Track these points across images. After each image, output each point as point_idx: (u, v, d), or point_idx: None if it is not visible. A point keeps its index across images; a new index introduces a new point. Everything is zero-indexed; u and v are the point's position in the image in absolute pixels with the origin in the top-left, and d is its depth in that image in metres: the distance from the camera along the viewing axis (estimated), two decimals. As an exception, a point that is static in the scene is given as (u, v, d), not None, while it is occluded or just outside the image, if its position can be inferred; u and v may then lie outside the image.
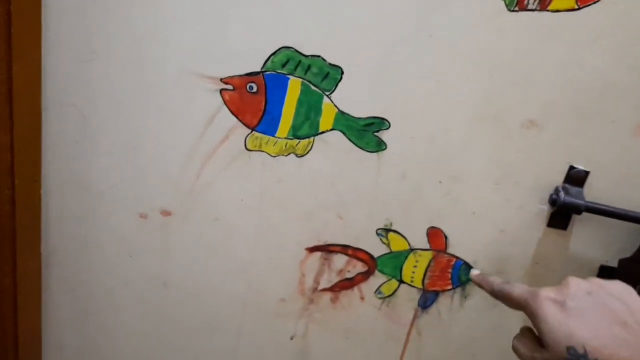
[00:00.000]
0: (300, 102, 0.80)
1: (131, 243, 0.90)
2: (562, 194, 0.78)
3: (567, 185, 0.80)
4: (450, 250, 0.86)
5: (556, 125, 0.78)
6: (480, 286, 0.57)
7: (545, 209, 0.82)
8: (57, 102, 0.83)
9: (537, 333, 0.48)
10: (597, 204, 0.79)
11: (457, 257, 0.86)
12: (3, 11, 0.73)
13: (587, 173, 0.80)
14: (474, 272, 0.60)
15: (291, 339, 0.94)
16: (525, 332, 0.51)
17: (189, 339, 0.95)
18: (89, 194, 0.88)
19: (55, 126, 0.85)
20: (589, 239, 0.83)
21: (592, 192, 0.80)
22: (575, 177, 0.80)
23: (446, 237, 0.85)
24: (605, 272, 0.84)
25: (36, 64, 0.80)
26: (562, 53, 0.75)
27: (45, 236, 0.90)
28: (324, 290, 0.90)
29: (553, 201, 0.80)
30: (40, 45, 0.80)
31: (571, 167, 0.80)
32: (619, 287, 0.48)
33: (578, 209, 0.78)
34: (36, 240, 0.89)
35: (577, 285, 0.47)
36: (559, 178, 0.81)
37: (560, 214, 0.82)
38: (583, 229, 0.83)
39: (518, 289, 0.51)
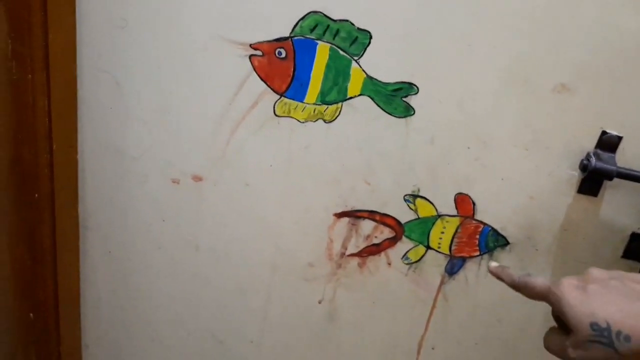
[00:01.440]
0: (328, 67, 0.80)
1: (164, 207, 0.93)
2: (593, 160, 0.77)
3: (598, 151, 0.79)
4: (478, 216, 0.86)
5: (588, 89, 0.76)
6: (500, 278, 0.57)
7: (576, 175, 0.81)
8: (91, 69, 0.85)
9: (563, 320, 0.48)
10: (629, 169, 0.77)
11: (484, 224, 0.86)
12: (38, -21, 0.75)
13: (620, 138, 0.78)
14: (493, 265, 0.59)
15: (319, 303, 0.95)
16: (552, 329, 0.51)
17: (220, 300, 0.98)
18: (123, 159, 0.91)
19: (89, 93, 0.87)
20: (621, 205, 0.82)
21: (625, 158, 0.79)
22: (608, 143, 0.78)
23: (474, 203, 0.85)
24: (636, 240, 0.83)
25: (71, 31, 0.83)
26: (596, 13, 0.73)
27: (82, 200, 0.94)
28: (352, 255, 0.91)
29: (584, 167, 0.79)
30: (74, 12, 0.82)
31: (603, 132, 0.78)
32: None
33: (609, 175, 0.76)
34: (73, 203, 0.92)
35: (599, 273, 0.48)
36: (590, 143, 0.79)
37: (591, 180, 0.80)
38: (614, 195, 0.82)
39: (540, 279, 0.51)
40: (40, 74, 0.81)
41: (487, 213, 0.86)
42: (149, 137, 0.89)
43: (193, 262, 0.96)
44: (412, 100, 0.81)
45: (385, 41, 0.78)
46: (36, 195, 0.86)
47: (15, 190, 0.85)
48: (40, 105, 0.82)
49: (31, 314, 0.95)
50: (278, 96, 0.83)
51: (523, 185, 0.83)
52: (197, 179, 0.90)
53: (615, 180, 0.78)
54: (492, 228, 0.86)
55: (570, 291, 0.47)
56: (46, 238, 0.90)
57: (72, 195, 0.91)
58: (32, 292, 0.93)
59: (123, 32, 0.83)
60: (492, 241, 0.87)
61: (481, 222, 0.86)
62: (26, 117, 0.82)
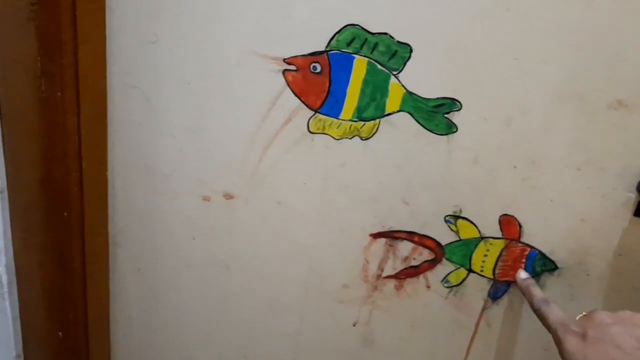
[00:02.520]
0: (365, 82, 0.76)
1: (195, 225, 0.91)
2: (653, 182, 0.71)
3: (659, 172, 0.73)
4: (525, 239, 0.81)
5: (649, 105, 0.71)
6: (523, 293, 0.57)
7: (633, 197, 0.75)
8: (121, 85, 0.84)
9: None
10: (693, 192, 0.72)
11: (531, 247, 0.81)
12: (68, -4, 0.73)
13: (683, 158, 0.72)
14: (522, 275, 0.59)
15: (354, 325, 0.92)
16: None
17: (252, 321, 0.95)
18: (153, 176, 0.89)
19: (120, 109, 0.85)
20: (682, 230, 0.76)
21: (688, 179, 0.73)
22: (669, 163, 0.73)
23: (520, 226, 0.80)
24: (699, 267, 0.77)
25: (101, 47, 0.81)
26: (660, 25, 0.67)
27: (112, 217, 0.92)
28: (388, 277, 0.87)
29: (642, 189, 0.73)
30: (104, 28, 0.80)
31: (664, 152, 0.72)
32: None
33: (671, 198, 0.71)
34: (103, 222, 0.91)
35: (603, 317, 0.49)
36: (650, 164, 0.73)
37: (650, 203, 0.75)
38: (676, 219, 0.76)
39: (553, 316, 0.53)
40: (69, 91, 0.79)
41: (535, 236, 0.80)
42: (180, 154, 0.86)
43: (224, 282, 0.93)
44: (455, 117, 0.76)
45: (426, 55, 0.74)
46: (66, 214, 0.85)
47: (45, 209, 0.84)
48: (70, 123, 0.80)
49: (60, 333, 0.94)
50: (312, 112, 0.80)
51: (574, 207, 0.77)
52: (229, 197, 0.87)
53: (677, 203, 0.72)
54: (540, 252, 0.81)
55: (570, 338, 0.49)
56: (76, 257, 0.89)
57: (102, 213, 0.90)
58: (62, 311, 0.92)
59: (154, 47, 0.81)
60: (539, 265, 0.82)
61: (528, 245, 0.81)
62: (56, 135, 0.81)
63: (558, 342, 0.51)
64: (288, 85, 0.78)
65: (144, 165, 0.88)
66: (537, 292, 0.55)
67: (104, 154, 0.87)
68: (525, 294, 0.56)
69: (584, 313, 0.51)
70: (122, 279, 0.97)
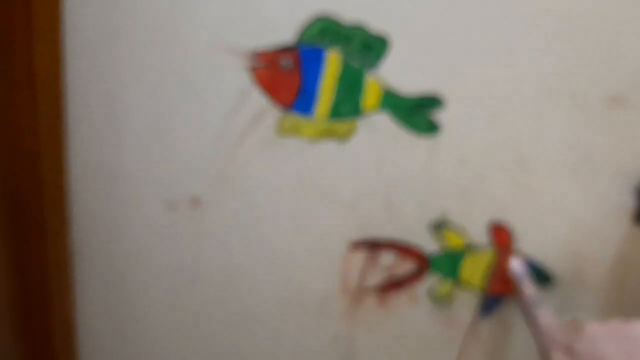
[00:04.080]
0: (339, 79, 0.71)
1: (161, 233, 0.86)
2: (654, 184, 0.66)
3: (660, 174, 0.67)
4: (517, 247, 0.75)
5: (648, 101, 0.66)
6: (514, 285, 0.54)
7: (631, 200, 0.71)
8: (81, 84, 0.79)
9: None
10: (699, 195, 0.66)
11: (524, 256, 0.75)
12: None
13: (687, 159, 0.67)
14: (515, 265, 0.55)
15: (334, 339, 0.86)
16: None
17: (224, 335, 0.90)
18: (116, 181, 0.84)
19: (80, 109, 0.80)
20: (687, 236, 0.71)
21: (693, 181, 0.68)
22: (672, 164, 0.67)
23: (511, 232, 0.75)
24: None
25: (58, 45, 0.76)
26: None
27: (75, 226, 0.87)
28: (370, 289, 0.82)
29: (641, 192, 0.68)
30: (60, 25, 0.75)
31: (666, 152, 0.67)
32: (637, 327, 0.47)
33: (674, 202, 0.65)
34: (64, 231, 0.86)
35: (591, 331, 0.48)
36: (649, 164, 0.69)
37: (651, 207, 0.69)
38: (680, 224, 0.70)
39: (542, 322, 0.50)
40: (25, 93, 0.74)
41: (527, 243, 0.76)
42: (144, 157, 0.81)
43: (194, 292, 0.88)
44: (438, 116, 0.71)
45: (405, 48, 0.69)
46: (24, 222, 0.80)
47: (1, 218, 0.79)
48: (26, 126, 0.75)
49: (24, 346, 0.89)
50: (284, 111, 0.74)
51: (569, 212, 0.73)
52: (196, 202, 0.82)
53: (682, 207, 0.66)
54: (533, 260, 0.76)
55: (556, 353, 0.47)
56: (36, 268, 0.84)
57: (63, 221, 0.85)
58: (24, 323, 0.88)
59: (114, 44, 0.76)
60: (532, 275, 0.76)
61: (520, 253, 0.75)
62: (11, 139, 0.76)
63: (543, 354, 0.49)
64: (256, 82, 0.73)
65: (106, 170, 0.83)
66: (529, 289, 0.51)
67: (64, 159, 0.82)
68: (517, 287, 0.52)
69: (572, 320, 0.47)
70: (87, 290, 0.92)
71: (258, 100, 0.74)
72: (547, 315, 0.51)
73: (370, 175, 0.76)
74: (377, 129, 0.73)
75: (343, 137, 0.74)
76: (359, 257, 0.81)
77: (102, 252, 0.89)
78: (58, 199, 0.83)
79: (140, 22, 0.75)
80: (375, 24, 0.68)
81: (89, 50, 0.77)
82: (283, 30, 0.70)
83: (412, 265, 0.79)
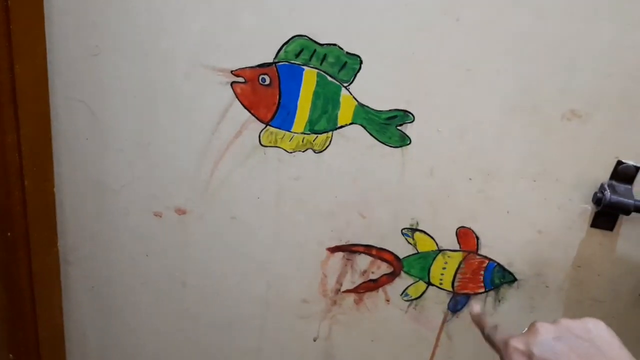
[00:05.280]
0: (316, 94, 0.74)
1: (148, 242, 0.88)
2: (608, 192, 0.70)
3: (613, 183, 0.72)
4: (483, 251, 0.79)
5: (602, 116, 0.69)
6: (476, 325, 0.54)
7: (589, 208, 0.74)
8: (65, 99, 0.80)
9: None
10: (649, 203, 0.71)
11: (490, 259, 0.79)
12: (1, 7, 0.70)
13: (637, 169, 0.71)
14: (475, 309, 0.56)
15: (314, 340, 0.90)
16: None
17: (210, 338, 0.93)
18: (103, 192, 0.86)
19: (65, 124, 0.82)
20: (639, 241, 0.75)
21: (644, 189, 0.72)
22: (624, 174, 0.71)
23: (478, 238, 0.79)
24: (657, 277, 0.76)
25: (41, 61, 0.77)
26: (609, 36, 0.66)
27: (63, 235, 0.89)
28: (347, 291, 0.85)
29: (598, 200, 0.72)
30: (44, 41, 0.77)
31: (619, 162, 0.71)
32: (588, 326, 0.46)
33: (626, 209, 0.70)
34: (52, 240, 0.87)
35: (545, 332, 0.47)
36: (604, 174, 0.72)
37: (606, 214, 0.74)
38: (632, 229, 0.75)
39: (498, 338, 0.50)
40: (7, 108, 0.75)
41: (492, 248, 0.79)
42: (130, 169, 0.83)
43: (180, 299, 0.91)
44: (408, 129, 0.74)
45: (377, 66, 0.72)
46: (9, 234, 0.81)
47: (-12, 229, 0.81)
48: (9, 141, 0.76)
49: (11, 355, 0.90)
50: (263, 125, 0.77)
51: (531, 219, 0.76)
52: (181, 212, 0.84)
53: (633, 214, 0.71)
54: (498, 264, 0.80)
55: (516, 359, 0.46)
56: (23, 277, 0.85)
57: (50, 231, 0.86)
58: (11, 332, 0.89)
59: (97, 60, 0.77)
60: (498, 277, 0.80)
61: (486, 257, 0.80)
62: (-4, 153, 0.77)
63: None
64: (237, 97, 0.76)
65: (93, 181, 0.85)
66: (487, 321, 0.53)
67: (50, 171, 0.83)
68: (479, 327, 0.54)
69: (530, 326, 0.49)
70: (76, 298, 0.94)
71: (239, 114, 0.76)
72: (504, 331, 0.53)
73: (347, 185, 0.79)
74: (352, 141, 0.76)
75: (320, 148, 0.77)
76: (337, 262, 0.84)
77: (91, 261, 0.90)
78: (45, 211, 0.85)
79: (122, 39, 0.76)
80: (349, 46, 0.71)
81: (73, 65, 0.78)
82: (262, 48, 0.73)
83: (386, 268, 0.83)
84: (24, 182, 0.79)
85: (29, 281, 0.86)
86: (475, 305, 0.58)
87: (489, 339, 0.51)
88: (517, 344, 0.47)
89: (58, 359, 0.96)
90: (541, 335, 0.46)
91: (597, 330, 0.45)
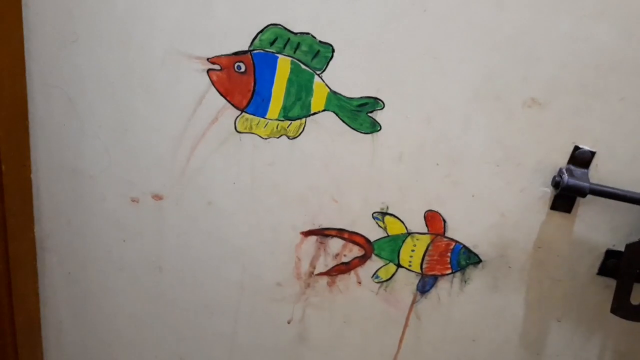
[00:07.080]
0: (290, 82, 0.77)
1: (124, 227, 0.89)
2: (565, 176, 0.74)
3: (571, 167, 0.76)
4: (449, 234, 0.83)
5: (560, 103, 0.73)
6: None
7: (549, 191, 0.79)
8: (42, 85, 0.81)
9: None
10: (603, 186, 0.75)
11: (456, 241, 0.83)
12: (-22, -7, 0.71)
13: (593, 154, 0.75)
14: None
15: (288, 323, 0.92)
16: None
17: (186, 322, 0.94)
18: (80, 178, 0.87)
19: (42, 110, 0.83)
20: (595, 222, 0.79)
21: (599, 174, 0.76)
22: (581, 158, 0.76)
23: (445, 221, 0.82)
24: (612, 257, 0.80)
25: (18, 46, 0.78)
26: (567, 27, 0.70)
27: (39, 221, 0.90)
28: (320, 274, 0.88)
29: (556, 183, 0.76)
30: (22, 27, 0.78)
31: (576, 148, 0.75)
32: None
33: (582, 192, 0.74)
34: (29, 225, 0.88)
35: None
36: (562, 159, 0.76)
37: (564, 197, 0.78)
38: (589, 212, 0.79)
39: None
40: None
41: (459, 231, 0.83)
42: (106, 155, 0.85)
43: (157, 283, 0.92)
44: (379, 116, 0.77)
45: (348, 55, 0.74)
46: (-13, 218, 0.82)
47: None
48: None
49: (-13, 340, 0.91)
50: (239, 112, 0.79)
51: (494, 202, 0.80)
52: (158, 197, 0.86)
53: (590, 196, 0.75)
54: (464, 246, 0.83)
55: None
56: (0, 262, 0.86)
57: (26, 216, 0.87)
58: (-13, 317, 0.89)
59: (74, 46, 0.79)
60: (464, 259, 0.84)
61: (452, 239, 0.83)
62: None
63: None
64: (213, 84, 0.78)
65: (69, 167, 0.86)
66: None
67: (27, 157, 0.84)
68: None
69: None
70: (52, 284, 0.95)
71: (215, 101, 0.78)
72: None
73: (319, 170, 0.81)
74: (324, 127, 0.79)
75: (293, 135, 0.80)
76: (310, 246, 0.87)
77: (68, 247, 0.91)
78: (22, 196, 0.85)
79: (99, 26, 0.77)
80: (322, 35, 0.73)
81: (51, 52, 0.79)
82: (237, 36, 0.75)
83: (357, 251, 0.86)
84: (1, 168, 0.80)
85: (5, 267, 0.87)
86: None
87: None
88: None
89: (34, 345, 0.97)
90: None
91: None
